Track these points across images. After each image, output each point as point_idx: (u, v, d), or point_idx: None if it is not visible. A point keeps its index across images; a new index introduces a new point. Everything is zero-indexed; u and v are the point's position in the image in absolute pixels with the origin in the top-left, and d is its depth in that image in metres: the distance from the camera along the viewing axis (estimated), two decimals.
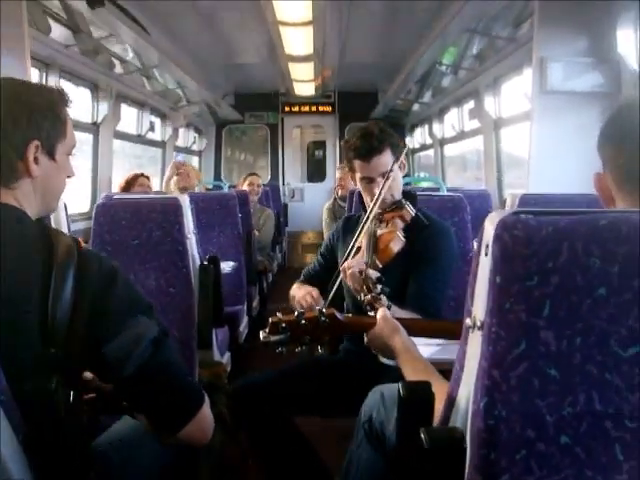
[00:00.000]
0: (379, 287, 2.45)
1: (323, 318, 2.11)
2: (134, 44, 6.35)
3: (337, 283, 2.85)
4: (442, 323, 2.38)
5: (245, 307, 5.45)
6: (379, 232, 2.85)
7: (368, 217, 2.88)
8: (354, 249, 2.86)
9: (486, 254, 1.17)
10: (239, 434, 2.97)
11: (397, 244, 2.77)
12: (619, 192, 1.52)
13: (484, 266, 1.18)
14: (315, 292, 2.85)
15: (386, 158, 2.89)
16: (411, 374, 1.88)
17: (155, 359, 1.61)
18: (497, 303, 1.13)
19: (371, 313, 2.33)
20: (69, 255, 1.55)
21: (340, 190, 6.77)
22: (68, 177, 1.76)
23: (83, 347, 1.55)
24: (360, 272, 2.54)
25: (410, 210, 2.91)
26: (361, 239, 2.86)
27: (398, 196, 2.96)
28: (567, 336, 1.13)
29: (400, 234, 2.80)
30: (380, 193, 2.85)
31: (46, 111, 1.64)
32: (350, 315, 2.25)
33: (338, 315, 2.14)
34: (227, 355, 4.31)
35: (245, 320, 5.37)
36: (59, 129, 1.66)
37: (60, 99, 1.70)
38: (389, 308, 2.46)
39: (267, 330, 2.11)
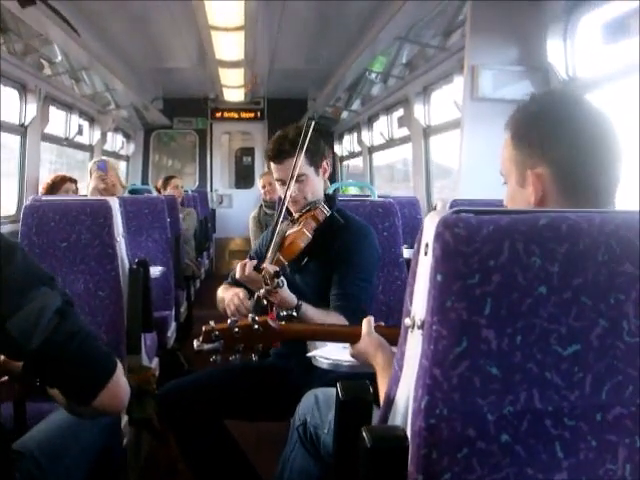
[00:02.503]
0: (276, 281, 2.51)
1: (256, 326, 2.09)
2: (64, 45, 6.26)
3: None
4: (340, 328, 2.36)
5: (173, 312, 5.39)
6: (289, 232, 2.86)
7: (278, 217, 2.87)
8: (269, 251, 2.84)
9: (426, 253, 1.17)
10: (169, 438, 2.95)
11: (302, 240, 2.78)
12: (561, 190, 1.53)
13: (424, 265, 1.18)
14: (242, 293, 2.77)
15: (298, 161, 2.87)
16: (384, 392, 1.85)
17: (61, 329, 1.56)
18: (438, 301, 1.12)
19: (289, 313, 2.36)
20: None
21: (268, 195, 6.64)
22: None
23: None
24: (257, 269, 2.56)
25: (324, 210, 2.90)
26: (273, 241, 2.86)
27: (312, 198, 2.95)
28: (508, 334, 1.13)
29: (307, 231, 2.80)
30: (285, 196, 2.85)
31: None
32: (284, 323, 2.23)
33: (271, 323, 2.13)
34: (155, 360, 4.26)
35: (173, 325, 5.31)
36: None
37: None
38: (299, 308, 2.51)
39: (200, 339, 2.09)
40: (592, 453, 1.20)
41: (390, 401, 1.31)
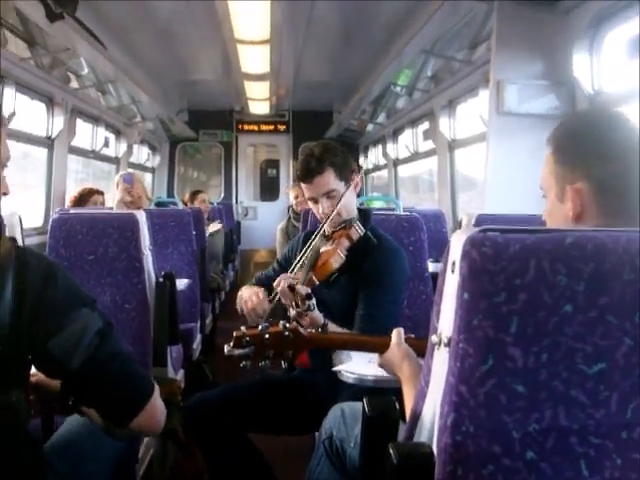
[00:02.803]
0: (307, 303, 2.50)
1: (287, 333, 2.12)
2: (91, 58, 6.30)
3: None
4: (369, 338, 2.36)
5: (199, 324, 5.39)
6: (322, 249, 2.85)
7: (316, 235, 2.89)
8: (298, 265, 2.84)
9: (453, 271, 1.18)
10: (194, 450, 2.95)
11: (336, 261, 2.77)
12: (601, 207, 1.54)
13: (451, 283, 1.19)
14: (261, 293, 2.77)
15: (327, 178, 2.86)
16: (408, 404, 1.86)
17: (101, 351, 1.60)
18: (465, 319, 1.14)
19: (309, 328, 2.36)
20: (8, 255, 1.55)
21: (299, 205, 6.58)
22: (4, 194, 1.74)
23: (29, 345, 1.55)
24: (290, 288, 2.55)
25: (358, 229, 2.89)
26: (306, 256, 2.86)
27: (347, 215, 2.93)
28: (534, 352, 1.14)
29: (341, 252, 2.79)
30: (334, 213, 2.86)
31: None
32: (313, 331, 2.25)
33: (301, 330, 2.15)
34: (181, 372, 4.27)
35: (199, 337, 5.32)
36: None
37: None
38: (325, 326, 2.48)
39: (231, 344, 2.11)
40: (617, 471, 1.20)
41: (416, 417, 1.31)
